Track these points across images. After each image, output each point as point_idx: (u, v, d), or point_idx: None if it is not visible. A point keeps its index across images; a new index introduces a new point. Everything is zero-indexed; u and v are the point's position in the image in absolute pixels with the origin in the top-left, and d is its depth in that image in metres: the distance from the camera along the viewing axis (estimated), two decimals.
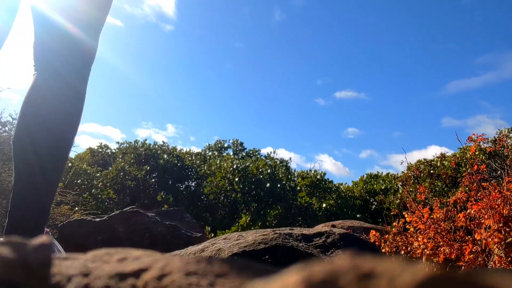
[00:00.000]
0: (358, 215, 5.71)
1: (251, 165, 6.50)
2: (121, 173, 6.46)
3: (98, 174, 6.30)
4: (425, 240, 2.01)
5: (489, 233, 1.72)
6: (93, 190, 5.56)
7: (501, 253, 1.65)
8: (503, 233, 1.68)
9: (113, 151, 8.61)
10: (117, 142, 13.91)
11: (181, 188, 6.84)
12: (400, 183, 5.62)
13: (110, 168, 6.88)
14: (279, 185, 6.21)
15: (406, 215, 2.18)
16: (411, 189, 4.10)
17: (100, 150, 8.65)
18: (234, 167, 6.48)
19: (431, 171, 5.19)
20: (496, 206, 1.76)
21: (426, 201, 2.29)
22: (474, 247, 1.81)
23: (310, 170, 6.62)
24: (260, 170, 6.36)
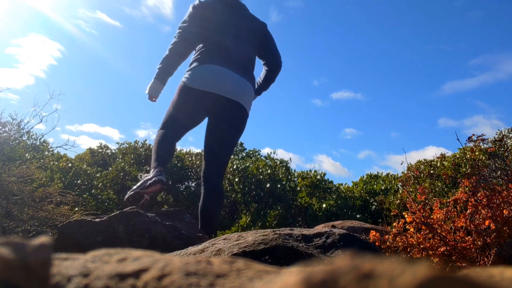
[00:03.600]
0: (358, 216, 5.70)
1: (251, 166, 6.50)
2: (121, 174, 6.46)
3: (98, 175, 6.30)
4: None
5: (489, 234, 1.72)
6: (93, 190, 5.56)
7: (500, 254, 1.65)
8: (502, 233, 1.68)
9: (113, 151, 8.60)
10: (117, 143, 13.90)
11: (181, 189, 6.83)
12: (400, 184, 5.61)
13: (110, 169, 6.87)
14: (279, 186, 6.20)
15: (406, 216, 2.18)
16: (411, 190, 4.10)
17: (100, 150, 8.65)
18: (234, 167, 6.47)
19: (431, 172, 5.19)
20: (496, 207, 1.77)
21: (426, 201, 2.29)
22: (474, 248, 1.81)
23: (310, 171, 6.62)
24: (260, 170, 6.36)
